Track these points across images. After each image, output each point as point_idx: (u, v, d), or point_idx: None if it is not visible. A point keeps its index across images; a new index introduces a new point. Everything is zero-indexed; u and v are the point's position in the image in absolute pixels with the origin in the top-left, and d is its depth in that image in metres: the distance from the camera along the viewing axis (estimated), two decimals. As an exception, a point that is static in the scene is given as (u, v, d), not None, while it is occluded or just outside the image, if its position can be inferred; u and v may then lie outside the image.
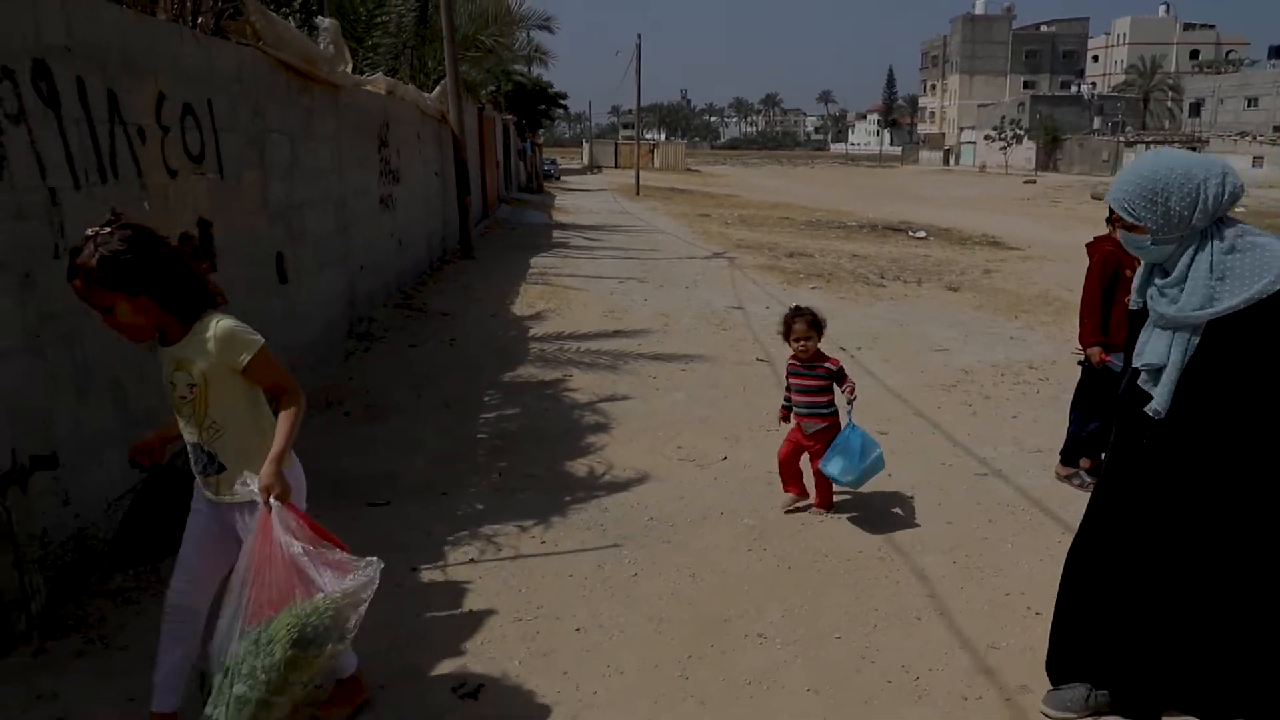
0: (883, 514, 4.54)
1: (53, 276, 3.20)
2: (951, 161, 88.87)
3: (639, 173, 40.38)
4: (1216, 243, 2.43)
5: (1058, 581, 2.94)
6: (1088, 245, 4.90)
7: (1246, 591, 2.57)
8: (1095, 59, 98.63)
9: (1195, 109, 69.52)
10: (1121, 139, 62.16)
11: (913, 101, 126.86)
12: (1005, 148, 70.75)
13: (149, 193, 4.21)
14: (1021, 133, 71.33)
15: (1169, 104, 75.52)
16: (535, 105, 38.11)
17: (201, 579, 2.59)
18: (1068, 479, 4.98)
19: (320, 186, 7.30)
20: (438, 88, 14.55)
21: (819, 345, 4.44)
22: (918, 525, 4.41)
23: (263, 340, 2.47)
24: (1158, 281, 2.56)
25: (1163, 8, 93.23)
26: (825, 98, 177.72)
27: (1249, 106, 63.47)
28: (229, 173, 5.24)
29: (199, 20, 5.36)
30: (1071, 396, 5.11)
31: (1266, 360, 2.40)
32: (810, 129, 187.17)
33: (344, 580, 2.35)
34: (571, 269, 13.74)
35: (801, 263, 14.96)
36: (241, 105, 5.52)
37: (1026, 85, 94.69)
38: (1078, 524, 2.91)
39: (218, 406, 2.45)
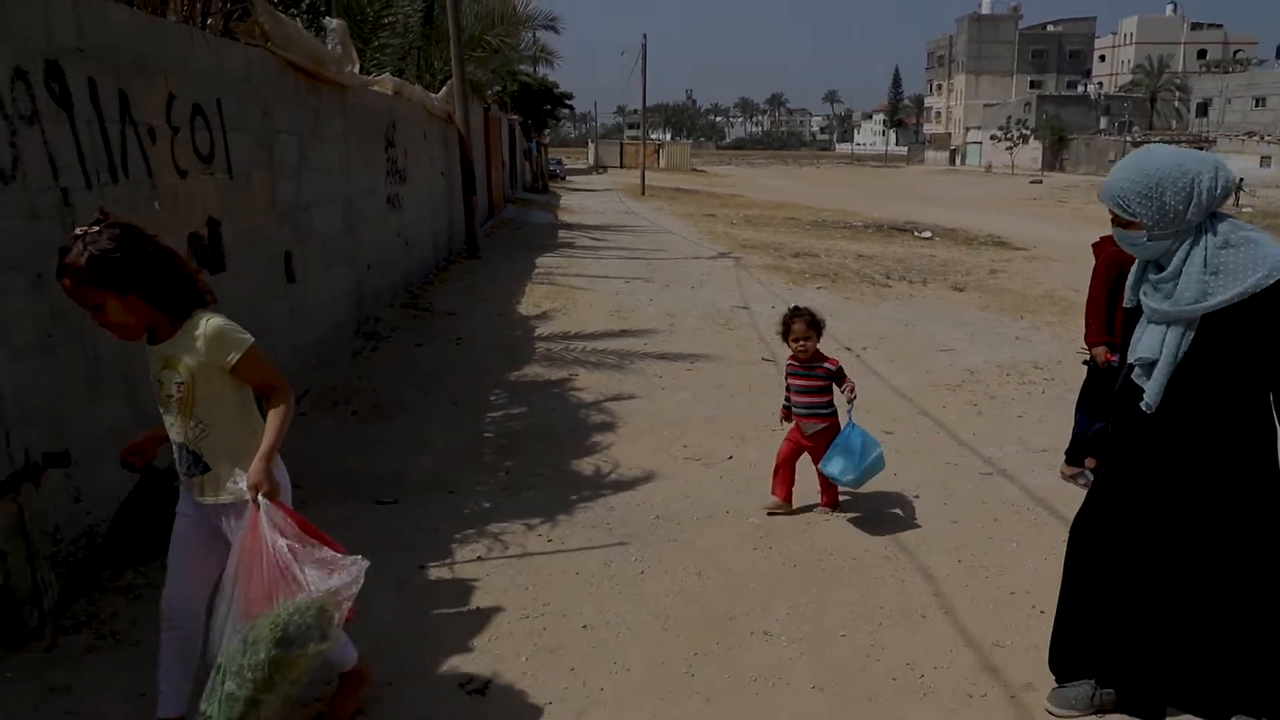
0: (888, 513, 4.56)
1: (65, 276, 3.23)
2: (957, 161, 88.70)
3: (644, 173, 40.38)
4: (1210, 237, 2.45)
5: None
6: (1093, 245, 4.91)
7: (1240, 586, 2.59)
8: (1102, 59, 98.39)
9: (1203, 109, 69.24)
10: (1128, 139, 61.96)
11: (918, 101, 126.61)
12: (1011, 148, 70.61)
13: (159, 193, 4.24)
14: (1028, 133, 71.17)
15: (1176, 104, 75.30)
16: (541, 105, 38.13)
17: (192, 582, 2.58)
18: (1073, 478, 4.99)
19: (328, 186, 7.33)
20: (444, 88, 14.59)
21: (818, 346, 4.44)
22: (923, 524, 4.42)
23: (252, 339, 2.47)
24: (1151, 277, 2.58)
25: (1170, 7, 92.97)
26: (831, 98, 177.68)
27: (1256, 106, 63.20)
28: (238, 173, 5.28)
29: (208, 21, 5.40)
30: (1077, 396, 5.12)
31: (1259, 354, 2.42)
32: (816, 129, 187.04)
33: (328, 579, 2.34)
34: (577, 269, 13.76)
35: (807, 263, 14.96)
36: (250, 106, 5.55)
37: (1033, 85, 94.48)
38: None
39: (205, 406, 2.45)
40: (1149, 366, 2.55)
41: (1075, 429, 5.04)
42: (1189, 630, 2.66)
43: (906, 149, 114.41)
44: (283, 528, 2.35)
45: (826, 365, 4.41)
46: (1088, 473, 4.94)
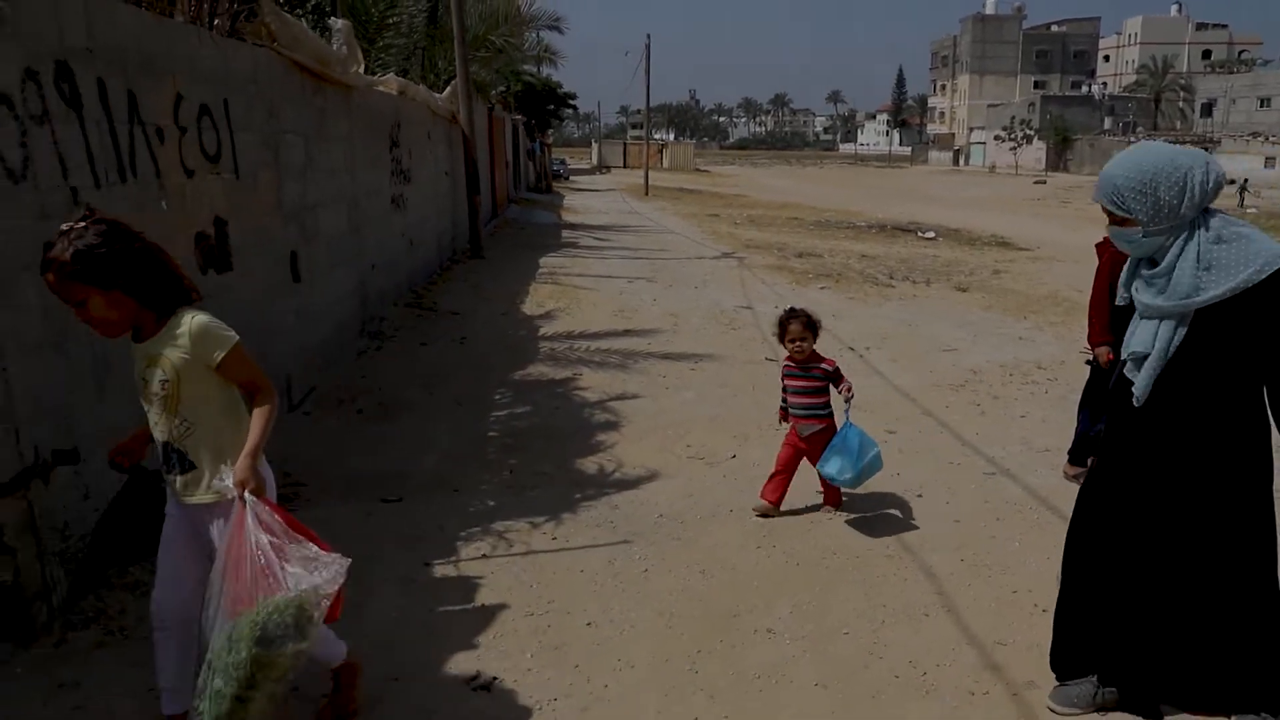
0: (891, 512, 4.57)
1: (74, 274, 3.25)
2: (961, 162, 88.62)
3: (648, 173, 40.42)
4: (1203, 233, 2.46)
5: (1063, 579, 2.97)
6: (1097, 245, 4.92)
7: (1232, 581, 2.61)
8: (1106, 59, 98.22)
9: (1207, 109, 69.15)
10: (1133, 140, 61.90)
11: (922, 102, 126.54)
12: (1015, 148, 70.51)
13: (167, 192, 4.26)
14: (1032, 133, 71.07)
15: (1180, 104, 75.15)
16: (544, 105, 38.15)
17: (181, 582, 2.56)
18: (1076, 478, 5.00)
19: (333, 186, 7.36)
20: (448, 88, 14.62)
21: (815, 346, 4.43)
22: (926, 523, 4.43)
23: (237, 337, 2.47)
24: (1144, 272, 2.59)
25: (1175, 7, 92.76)
26: (834, 98, 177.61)
27: (1261, 107, 63.08)
28: (244, 173, 5.30)
29: (215, 22, 5.42)
30: (1079, 396, 5.13)
31: (1252, 349, 2.43)
32: (819, 129, 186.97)
33: (308, 577, 2.33)
34: (581, 269, 13.79)
35: (810, 263, 14.98)
36: (257, 106, 5.58)
37: (1037, 85, 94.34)
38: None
39: (190, 403, 2.44)
40: (1141, 360, 2.57)
41: (1078, 429, 5.06)
42: (1184, 626, 2.67)
43: (910, 149, 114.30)
44: (268, 524, 2.35)
45: (823, 366, 4.41)
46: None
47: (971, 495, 4.82)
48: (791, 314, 4.44)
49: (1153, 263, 2.57)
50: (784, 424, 4.66)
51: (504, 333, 8.96)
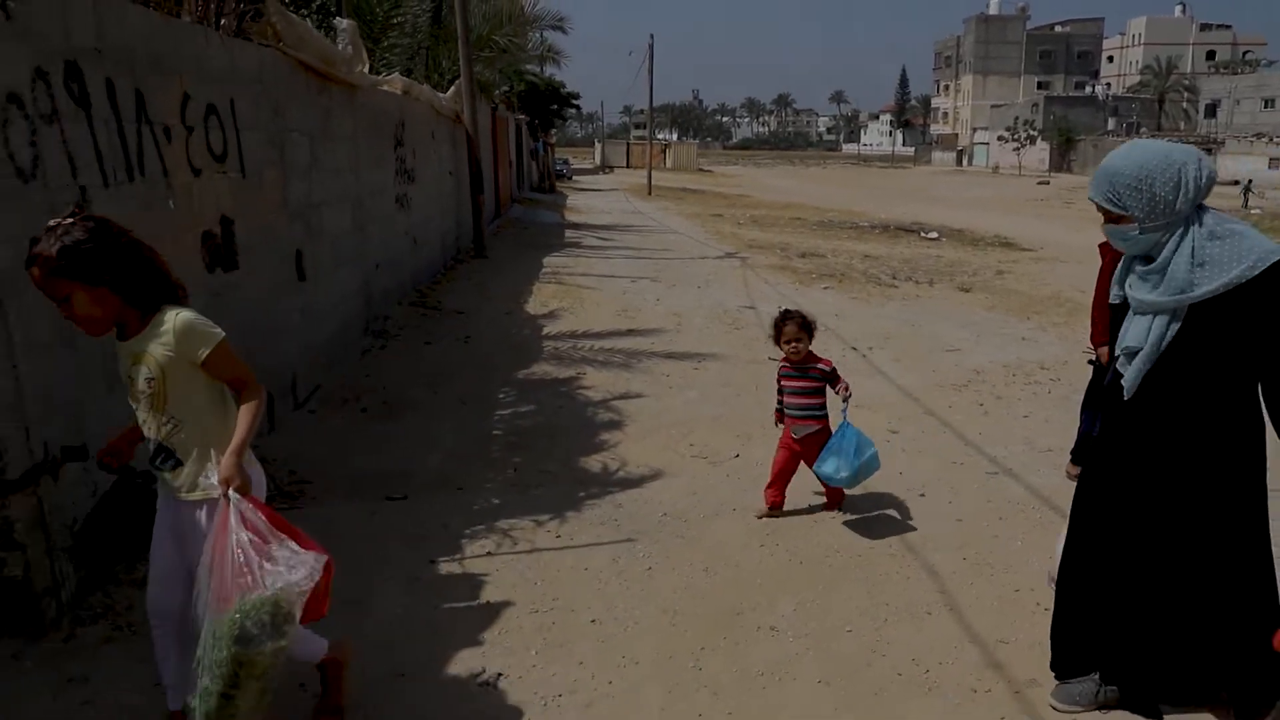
0: (894, 511, 4.59)
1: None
2: (964, 162, 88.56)
3: (651, 173, 40.44)
4: (1198, 229, 2.48)
5: (1066, 578, 2.99)
6: (1100, 246, 4.92)
7: (1225, 577, 2.62)
8: (1110, 59, 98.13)
9: (1211, 110, 69.09)
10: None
11: (926, 102, 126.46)
12: (1019, 149, 70.45)
13: (174, 191, 4.29)
14: (1035, 133, 71.02)
15: (1184, 105, 75.04)
16: (548, 105, 38.22)
17: (172, 580, 2.56)
18: (1078, 478, 5.01)
19: (338, 185, 7.38)
20: (452, 88, 14.65)
21: (811, 347, 4.42)
22: (929, 523, 4.45)
23: (223, 334, 2.46)
24: (1138, 269, 2.60)
25: (1179, 8, 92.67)
26: (838, 98, 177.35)
27: (1266, 107, 63.03)
28: (250, 172, 5.33)
29: (222, 22, 5.45)
30: (1082, 396, 5.14)
31: (1245, 345, 2.45)
32: (823, 129, 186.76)
33: (284, 575, 2.32)
34: (584, 268, 13.81)
35: (814, 263, 14.99)
36: (263, 105, 5.60)
37: (1040, 86, 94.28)
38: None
39: (176, 401, 2.44)
40: (1133, 355, 2.59)
41: (1081, 429, 5.07)
42: (1179, 623, 2.69)
43: (913, 149, 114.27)
44: (251, 523, 2.34)
45: (820, 366, 4.40)
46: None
47: (974, 495, 4.83)
48: (786, 315, 4.43)
49: (1147, 260, 2.58)
50: (779, 425, 4.64)
51: (508, 332, 8.98)
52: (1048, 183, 53.57)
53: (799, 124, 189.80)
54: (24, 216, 3.11)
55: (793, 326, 4.36)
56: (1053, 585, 3.21)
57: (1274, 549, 2.69)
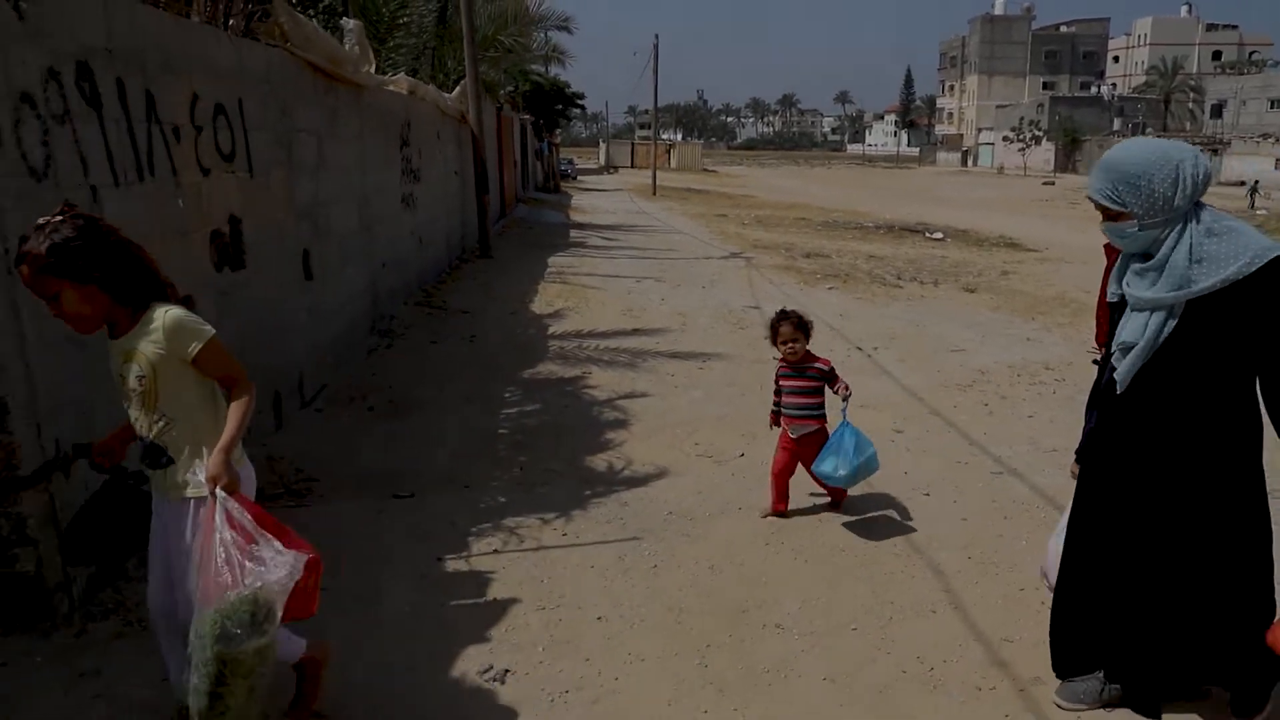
0: (899, 511, 4.60)
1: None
2: (969, 163, 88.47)
3: (655, 173, 40.44)
4: (1195, 225, 2.49)
5: (1070, 578, 2.99)
6: (1105, 246, 4.95)
7: (1219, 573, 2.63)
8: (1116, 60, 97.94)
9: (1217, 110, 68.86)
10: (1142, 140, 61.47)
11: (930, 102, 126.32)
12: (1024, 149, 70.38)
13: (183, 190, 4.32)
14: (1040, 134, 70.95)
15: (1190, 105, 74.90)
16: (552, 105, 38.24)
17: (169, 579, 2.56)
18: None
19: (344, 185, 7.42)
20: (457, 88, 14.68)
21: (809, 347, 4.42)
22: (933, 522, 4.46)
23: (213, 331, 2.45)
24: (1135, 266, 2.61)
25: (1185, 8, 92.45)
26: (842, 98, 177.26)
27: (1272, 108, 62.79)
28: (258, 171, 5.36)
29: (230, 22, 5.48)
30: (1087, 396, 5.14)
31: (1242, 341, 2.45)
32: (827, 129, 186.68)
33: (263, 574, 2.31)
34: (589, 268, 13.83)
35: (818, 263, 14.99)
36: (270, 105, 5.63)
37: (1046, 86, 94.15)
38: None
39: (167, 399, 2.43)
40: (1128, 350, 2.60)
41: (1085, 429, 5.06)
42: (1175, 619, 2.69)
43: (918, 150, 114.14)
44: (237, 521, 2.33)
45: (818, 365, 4.39)
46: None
47: (979, 494, 4.84)
48: (782, 316, 4.43)
49: (1145, 257, 2.59)
50: (775, 428, 4.62)
51: (513, 331, 9.01)
52: (1053, 183, 53.47)
53: (804, 124, 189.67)
54: (37, 215, 3.10)
55: (788, 327, 4.36)
56: (1045, 580, 3.23)
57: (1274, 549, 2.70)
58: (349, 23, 8.13)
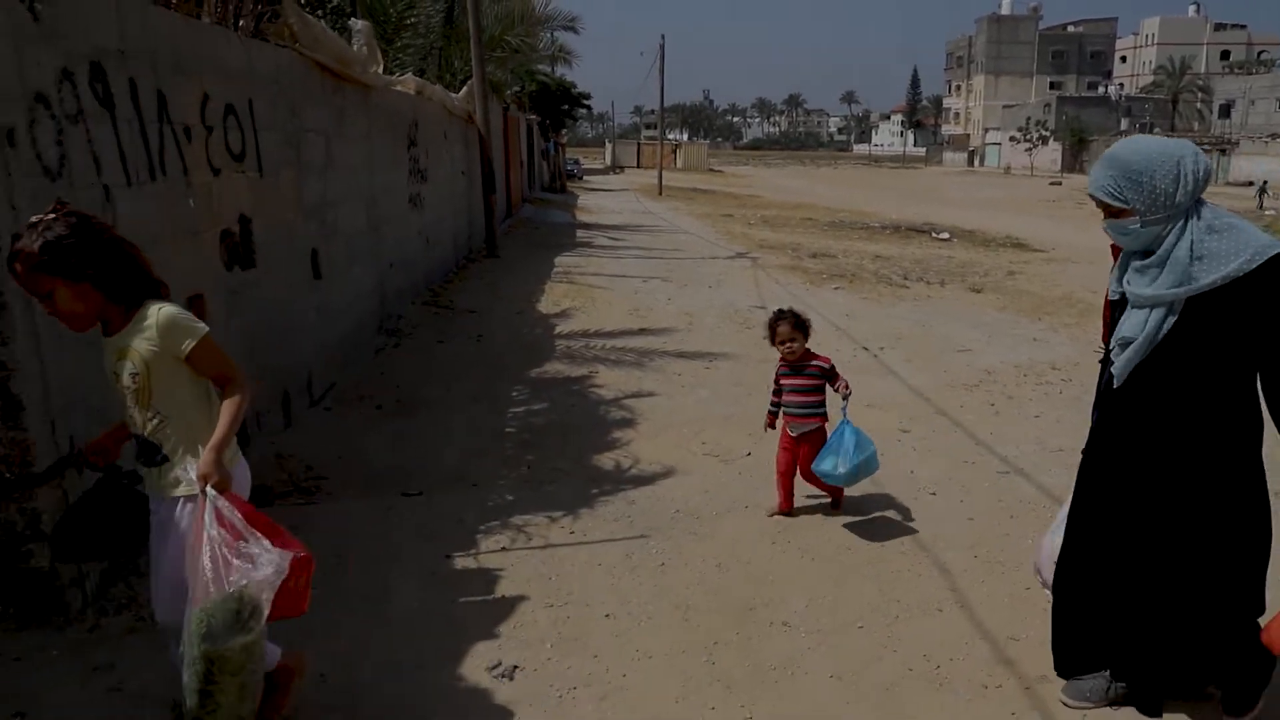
0: (905, 510, 4.61)
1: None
2: (976, 163, 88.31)
3: (661, 173, 40.46)
4: (1196, 222, 2.50)
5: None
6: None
7: (1217, 570, 2.63)
8: (1123, 59, 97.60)
9: (1225, 110, 68.62)
10: (1149, 141, 61.22)
11: (937, 102, 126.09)
12: (1030, 149, 70.22)
13: (194, 190, 4.35)
14: (1047, 134, 70.76)
15: (1198, 105, 74.63)
16: (559, 105, 38.26)
17: (166, 577, 2.54)
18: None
19: (352, 185, 7.45)
20: (464, 88, 14.72)
21: (808, 345, 4.42)
22: (940, 521, 4.47)
23: (206, 328, 2.45)
24: (1136, 263, 2.62)
25: (1193, 8, 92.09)
26: (849, 98, 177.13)
27: (1280, 108, 62.55)
28: (268, 171, 5.39)
29: (240, 23, 5.51)
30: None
31: (1241, 339, 2.46)
32: (833, 129, 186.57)
33: (249, 572, 2.30)
34: (595, 268, 13.85)
35: (824, 263, 14.99)
36: (279, 105, 5.67)
37: (1053, 86, 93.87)
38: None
39: (161, 396, 2.43)
40: (1127, 346, 2.61)
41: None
42: (1169, 616, 2.70)
43: (925, 150, 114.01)
44: (226, 520, 2.33)
45: (818, 363, 4.39)
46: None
47: (985, 494, 4.85)
48: (779, 315, 4.43)
49: (1145, 254, 2.60)
50: (770, 429, 4.62)
51: (520, 331, 9.03)
52: (1060, 183, 53.34)
53: (810, 124, 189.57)
54: (51, 214, 3.17)
55: (786, 327, 4.37)
56: (1039, 577, 3.25)
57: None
58: (357, 23, 8.17)
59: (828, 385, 4.40)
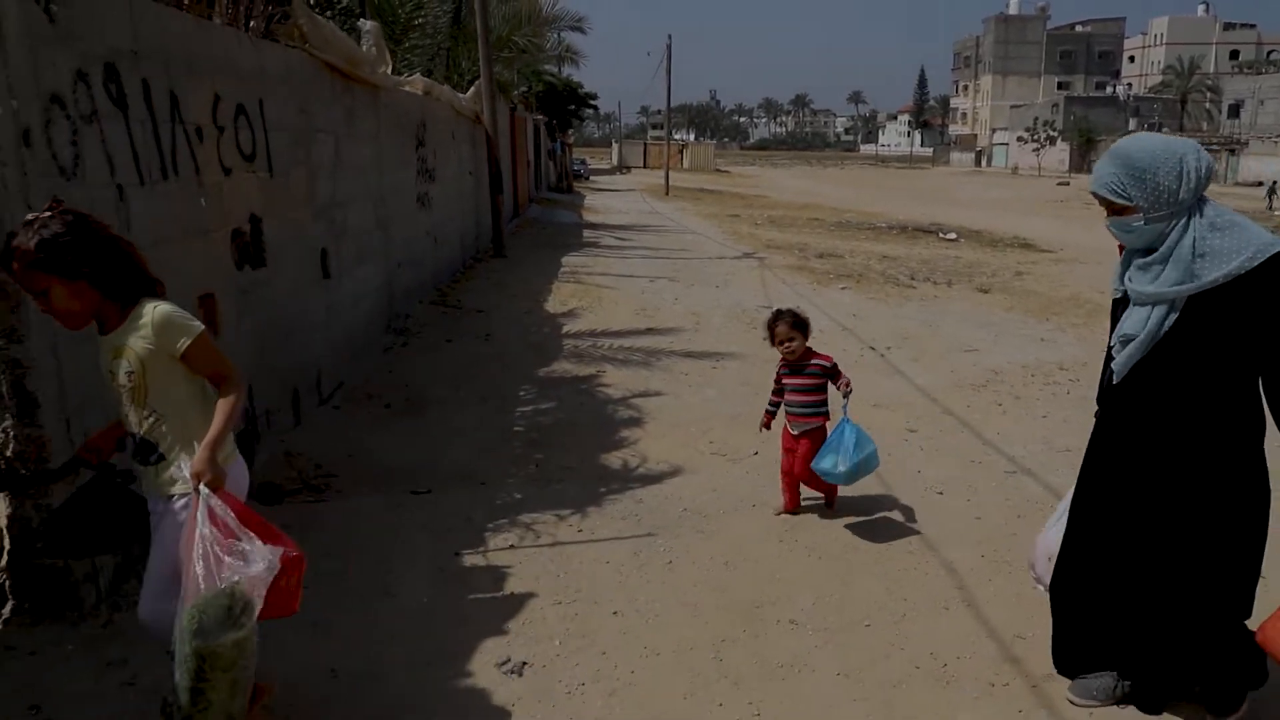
0: (912, 509, 4.62)
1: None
2: (983, 163, 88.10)
3: (668, 173, 40.47)
4: (1199, 220, 2.51)
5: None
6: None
7: (1202, 566, 2.63)
8: (1131, 59, 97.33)
9: (1234, 110, 68.31)
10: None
11: (944, 102, 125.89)
12: (1038, 149, 70.03)
13: (205, 190, 4.39)
14: (1055, 134, 70.57)
15: (1207, 105, 74.34)
16: (565, 105, 38.36)
17: (163, 575, 2.55)
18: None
19: (361, 185, 7.49)
20: (472, 88, 14.76)
21: (809, 344, 4.43)
22: (947, 520, 4.48)
23: (202, 326, 2.45)
24: (1138, 261, 2.62)
25: (1202, 7, 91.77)
26: (855, 98, 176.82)
27: (1290, 108, 62.24)
28: (278, 171, 5.42)
29: (250, 24, 5.55)
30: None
31: (1242, 337, 2.47)
32: (840, 130, 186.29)
33: (241, 568, 2.31)
34: (602, 268, 13.88)
35: (831, 263, 14.99)
36: (290, 105, 5.70)
37: (1061, 86, 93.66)
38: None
39: (157, 395, 2.43)
40: (1128, 342, 2.62)
41: (1099, 428, 5.07)
42: (1162, 614, 2.71)
43: (932, 150, 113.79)
44: (220, 518, 2.33)
45: (819, 362, 4.40)
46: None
47: (992, 493, 4.86)
48: (777, 315, 4.43)
49: (1147, 252, 2.61)
50: (765, 430, 4.63)
51: (527, 330, 9.06)
52: (1068, 184, 53.19)
53: (816, 124, 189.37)
54: (66, 214, 3.20)
55: (784, 327, 4.37)
56: (1031, 573, 3.26)
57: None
58: (366, 24, 8.20)
59: (830, 384, 4.41)
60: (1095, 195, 2.66)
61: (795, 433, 4.45)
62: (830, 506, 4.58)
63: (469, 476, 4.99)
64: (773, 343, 4.46)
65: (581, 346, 8.30)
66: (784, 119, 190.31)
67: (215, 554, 2.29)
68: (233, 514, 2.36)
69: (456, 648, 3.26)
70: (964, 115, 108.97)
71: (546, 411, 6.27)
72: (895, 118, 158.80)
